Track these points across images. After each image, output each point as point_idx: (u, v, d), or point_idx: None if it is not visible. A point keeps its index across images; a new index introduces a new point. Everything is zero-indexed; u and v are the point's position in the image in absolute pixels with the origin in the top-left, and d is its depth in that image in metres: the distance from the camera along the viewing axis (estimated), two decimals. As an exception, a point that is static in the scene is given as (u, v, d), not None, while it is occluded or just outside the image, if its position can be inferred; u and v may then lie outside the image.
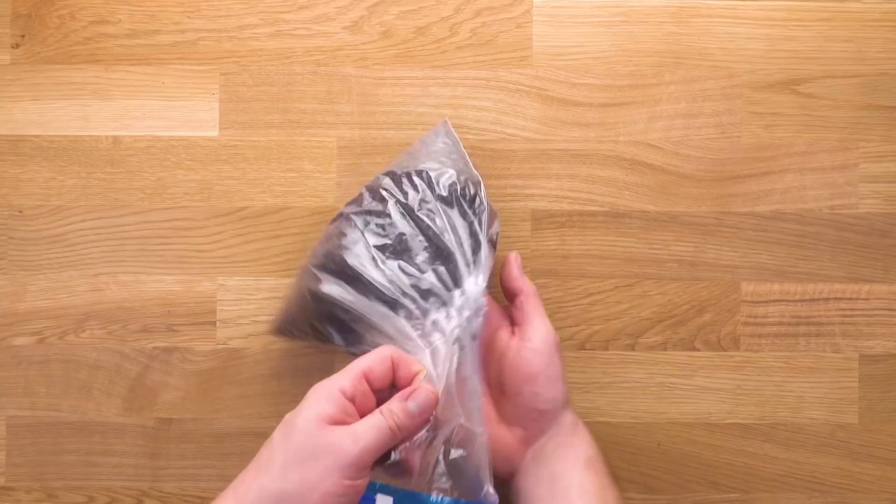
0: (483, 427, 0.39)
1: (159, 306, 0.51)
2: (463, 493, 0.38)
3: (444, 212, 0.43)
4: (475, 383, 0.40)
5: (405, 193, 0.44)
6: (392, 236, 0.42)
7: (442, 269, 0.42)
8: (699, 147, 0.51)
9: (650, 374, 0.52)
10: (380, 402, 0.36)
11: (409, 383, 0.37)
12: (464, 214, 0.43)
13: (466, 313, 0.41)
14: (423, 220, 0.43)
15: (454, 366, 0.39)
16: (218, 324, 0.51)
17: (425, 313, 0.41)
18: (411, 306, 0.41)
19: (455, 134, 0.48)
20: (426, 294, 0.41)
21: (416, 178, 0.44)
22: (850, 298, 0.51)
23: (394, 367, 0.37)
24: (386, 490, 0.37)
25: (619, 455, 0.51)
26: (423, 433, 0.37)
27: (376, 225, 0.43)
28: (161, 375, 0.51)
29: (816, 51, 0.52)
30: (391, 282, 0.41)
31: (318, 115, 0.52)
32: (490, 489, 0.38)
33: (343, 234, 0.43)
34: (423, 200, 0.43)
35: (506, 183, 0.51)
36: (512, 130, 0.51)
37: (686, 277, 0.51)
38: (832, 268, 0.52)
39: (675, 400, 0.52)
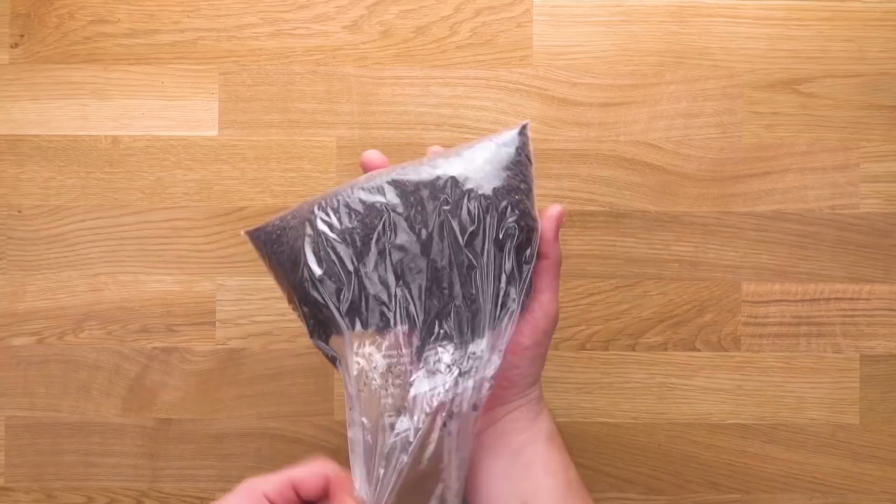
0: None
1: (158, 306, 0.51)
2: None
3: (494, 254, 0.37)
4: (460, 459, 0.36)
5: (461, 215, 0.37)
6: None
7: (464, 311, 0.37)
8: (700, 147, 0.51)
9: (651, 375, 0.51)
10: None
11: None
12: (511, 268, 0.37)
13: (470, 381, 0.36)
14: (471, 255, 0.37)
15: (434, 437, 0.36)
16: (217, 324, 0.51)
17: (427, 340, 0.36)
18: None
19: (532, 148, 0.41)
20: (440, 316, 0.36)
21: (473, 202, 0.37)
22: (850, 298, 0.51)
23: (328, 488, 0.36)
24: None
25: (620, 455, 0.51)
26: None
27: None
28: (160, 376, 0.51)
29: (817, 50, 0.51)
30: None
31: (317, 114, 0.52)
32: None
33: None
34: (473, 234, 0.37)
35: (506, 183, 0.51)
36: (512, 130, 0.51)
37: (687, 277, 0.51)
38: (833, 268, 0.51)
39: (675, 400, 0.51)
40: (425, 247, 0.37)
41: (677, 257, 0.51)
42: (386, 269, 0.36)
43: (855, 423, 0.51)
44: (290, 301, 0.39)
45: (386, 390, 0.37)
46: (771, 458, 0.51)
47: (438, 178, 0.38)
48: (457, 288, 0.37)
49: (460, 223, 0.37)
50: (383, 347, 0.37)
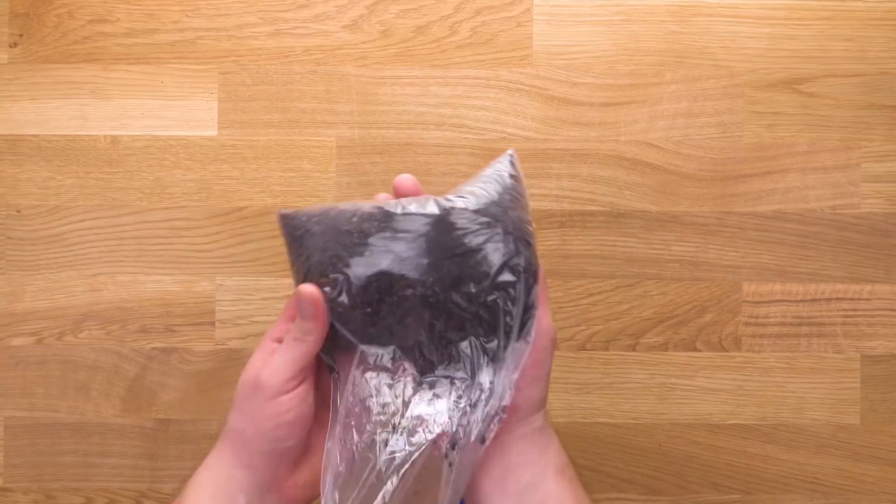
0: None
1: (158, 306, 0.51)
2: None
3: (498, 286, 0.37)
4: (456, 490, 0.36)
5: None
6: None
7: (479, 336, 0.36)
8: (700, 146, 0.51)
9: (651, 375, 0.51)
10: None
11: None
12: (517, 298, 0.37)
13: (478, 413, 0.36)
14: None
15: (430, 465, 0.35)
16: (217, 324, 0.51)
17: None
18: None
19: (520, 169, 0.41)
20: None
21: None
22: (851, 299, 0.51)
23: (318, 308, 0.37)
24: None
25: (620, 456, 0.51)
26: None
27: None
28: (159, 376, 0.51)
29: (818, 50, 0.51)
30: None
31: (317, 114, 0.51)
32: None
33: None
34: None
35: (506, 182, 0.51)
36: (512, 130, 0.51)
37: (687, 277, 0.51)
38: (834, 268, 0.51)
39: (676, 400, 0.51)
40: (434, 279, 0.36)
41: (678, 257, 0.51)
42: (399, 304, 0.36)
43: (856, 423, 0.51)
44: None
45: (383, 408, 0.37)
46: (772, 458, 0.51)
47: (442, 210, 0.37)
48: (466, 321, 0.36)
49: (465, 256, 0.36)
50: (389, 365, 0.37)
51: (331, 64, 0.51)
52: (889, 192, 0.51)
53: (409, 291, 0.36)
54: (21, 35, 0.52)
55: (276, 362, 0.36)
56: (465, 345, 0.37)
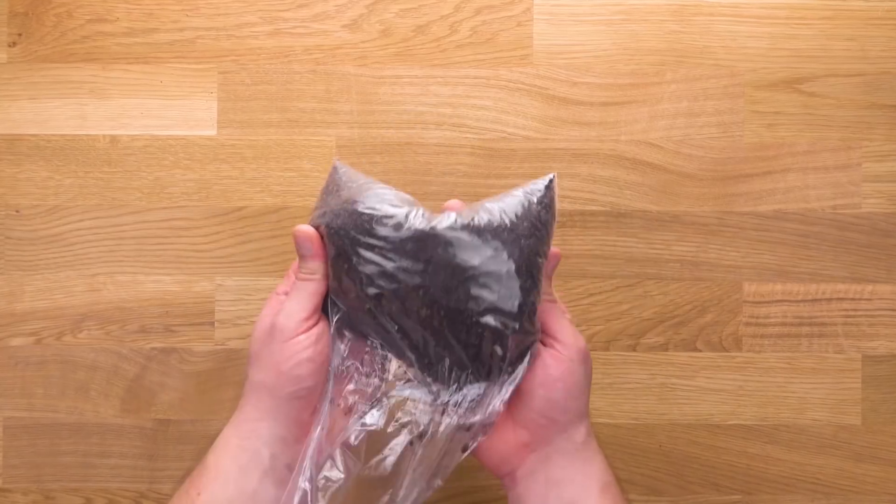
0: None
1: (157, 306, 0.51)
2: None
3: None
4: (417, 481, 0.37)
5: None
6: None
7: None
8: (701, 146, 0.51)
9: (651, 375, 0.51)
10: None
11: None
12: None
13: (454, 419, 0.37)
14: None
15: (396, 449, 0.37)
16: (216, 324, 0.51)
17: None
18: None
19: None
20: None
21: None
22: (852, 299, 0.51)
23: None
24: None
25: (621, 456, 0.51)
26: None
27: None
28: (159, 376, 0.51)
29: (819, 49, 0.51)
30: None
31: (316, 114, 0.51)
32: None
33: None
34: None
35: (506, 182, 0.51)
36: (512, 129, 0.51)
37: (688, 277, 0.51)
38: (835, 268, 0.51)
39: (676, 401, 0.51)
40: (436, 289, 0.36)
41: (678, 257, 0.51)
42: (394, 312, 0.37)
43: (857, 423, 0.51)
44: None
45: (368, 379, 0.38)
46: (772, 458, 0.51)
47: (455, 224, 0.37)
48: (454, 345, 0.37)
49: (463, 282, 0.36)
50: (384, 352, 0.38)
51: (330, 63, 0.51)
52: (890, 191, 0.51)
53: (403, 302, 0.36)
54: (20, 34, 0.51)
55: (290, 305, 0.38)
56: (451, 364, 0.37)
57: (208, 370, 0.51)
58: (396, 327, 0.37)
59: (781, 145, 0.51)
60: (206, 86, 0.51)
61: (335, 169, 0.40)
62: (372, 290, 0.36)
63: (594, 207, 0.51)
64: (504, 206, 0.38)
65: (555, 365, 0.37)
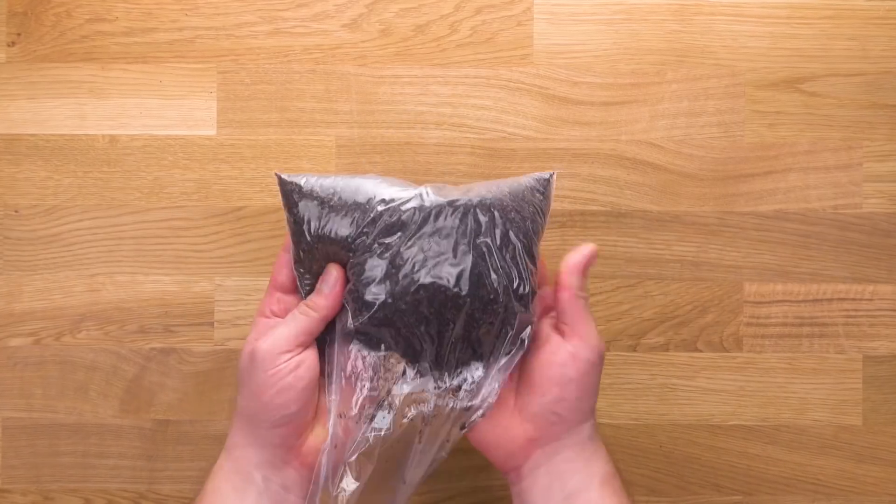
0: None
1: (156, 307, 0.51)
2: None
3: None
4: (423, 460, 0.38)
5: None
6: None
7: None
8: (702, 146, 0.51)
9: (652, 376, 0.51)
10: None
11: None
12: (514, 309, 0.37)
13: (457, 402, 0.38)
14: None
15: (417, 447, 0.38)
16: (216, 324, 0.51)
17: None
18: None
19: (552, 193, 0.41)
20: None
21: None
22: (853, 299, 0.51)
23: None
24: None
25: (621, 457, 0.51)
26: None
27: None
28: (158, 377, 0.51)
29: (820, 49, 0.51)
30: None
31: (316, 113, 0.51)
32: None
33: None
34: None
35: (506, 182, 0.51)
36: (512, 129, 0.51)
37: (688, 278, 0.51)
38: (836, 268, 0.51)
39: (677, 401, 0.51)
40: (438, 269, 0.37)
41: (679, 257, 0.51)
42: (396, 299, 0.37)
43: (858, 424, 0.51)
44: (301, 264, 0.40)
45: (371, 383, 0.38)
46: (773, 459, 0.51)
47: (456, 202, 0.37)
48: (461, 314, 0.37)
49: (464, 256, 0.37)
50: (382, 349, 0.38)
51: (330, 63, 0.51)
52: (891, 191, 0.51)
53: (407, 292, 0.36)
54: (19, 34, 0.51)
55: (277, 333, 0.37)
56: (457, 346, 0.37)
57: (208, 370, 0.51)
58: (406, 326, 0.37)
59: (782, 145, 0.51)
60: (206, 85, 0.51)
61: (288, 182, 0.40)
62: (384, 294, 0.36)
63: (594, 207, 0.51)
64: (511, 188, 0.38)
65: (573, 365, 0.37)
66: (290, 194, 0.39)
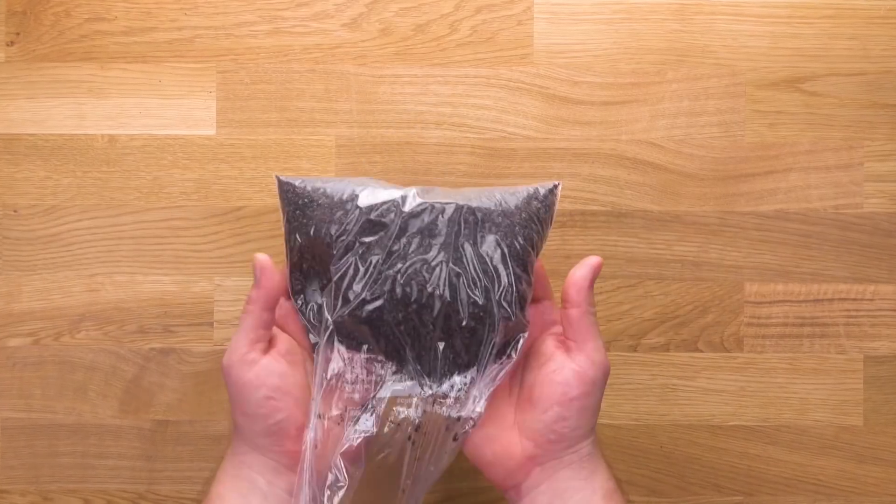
0: None
1: (156, 307, 0.51)
2: None
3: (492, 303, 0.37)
4: (422, 472, 0.38)
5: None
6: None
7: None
8: (702, 146, 0.51)
9: (652, 376, 0.51)
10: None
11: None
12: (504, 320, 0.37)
13: (445, 409, 0.37)
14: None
15: (395, 446, 0.37)
16: (215, 325, 0.51)
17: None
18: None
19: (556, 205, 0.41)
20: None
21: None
22: (854, 299, 0.51)
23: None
24: None
25: (622, 457, 0.51)
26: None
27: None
28: (157, 377, 0.51)
29: (820, 48, 0.51)
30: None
31: (316, 113, 0.51)
32: None
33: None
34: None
35: (506, 182, 0.51)
36: (513, 129, 0.51)
37: (689, 278, 0.51)
38: (836, 268, 0.51)
39: (677, 401, 0.51)
40: (427, 273, 0.36)
41: (679, 257, 0.51)
42: (381, 305, 0.37)
43: (859, 424, 0.51)
44: (294, 266, 0.39)
45: (354, 386, 0.38)
46: (774, 459, 0.51)
47: (455, 206, 0.37)
48: (440, 316, 0.36)
49: (465, 260, 0.37)
50: (365, 352, 0.38)
51: (330, 62, 0.51)
52: (892, 191, 0.51)
53: (394, 295, 0.36)
54: (18, 33, 0.51)
55: (232, 341, 0.37)
56: (440, 349, 0.37)
57: (207, 371, 0.51)
58: (385, 325, 0.37)
59: (783, 145, 0.51)
60: (205, 85, 0.51)
61: (284, 183, 0.40)
62: (367, 293, 0.36)
63: (595, 207, 0.51)
64: (504, 195, 0.38)
65: (576, 385, 0.37)
66: (285, 195, 0.40)
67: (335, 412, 0.37)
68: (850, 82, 0.51)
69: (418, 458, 0.38)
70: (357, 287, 0.36)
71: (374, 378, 0.38)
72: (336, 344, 0.37)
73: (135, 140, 0.51)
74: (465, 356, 0.37)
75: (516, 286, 0.36)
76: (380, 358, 0.38)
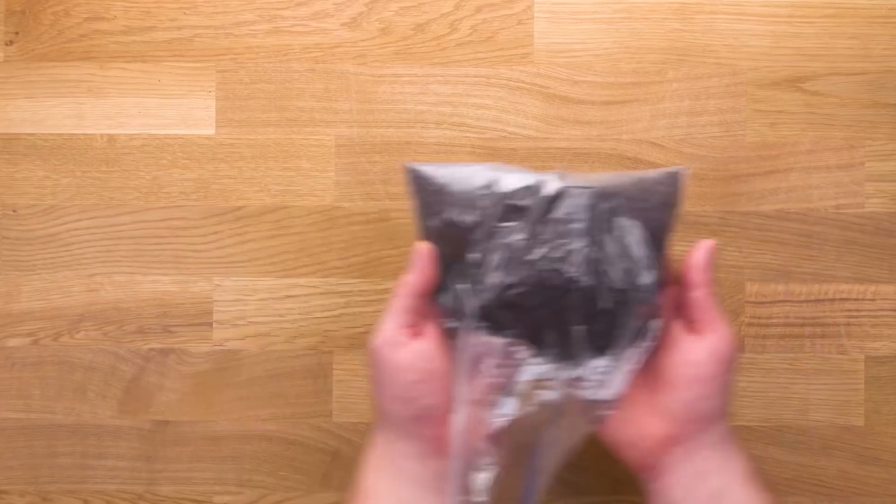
0: None
1: (155, 307, 0.51)
2: None
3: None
4: (555, 454, 0.38)
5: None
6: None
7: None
8: (703, 145, 0.51)
9: (653, 376, 0.51)
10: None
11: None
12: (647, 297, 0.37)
13: (586, 392, 0.37)
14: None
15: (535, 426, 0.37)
16: (214, 325, 0.51)
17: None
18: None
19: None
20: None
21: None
22: (855, 299, 0.51)
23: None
24: None
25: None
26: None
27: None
28: (157, 377, 0.51)
29: (821, 48, 0.51)
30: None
31: (315, 112, 0.51)
32: None
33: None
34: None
35: (506, 182, 0.50)
36: (513, 129, 0.51)
37: (689, 278, 0.51)
38: (837, 268, 0.51)
39: (678, 402, 0.51)
40: (567, 258, 0.37)
41: (679, 257, 0.51)
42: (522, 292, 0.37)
43: (860, 424, 0.51)
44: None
45: (495, 369, 0.38)
46: (775, 460, 0.51)
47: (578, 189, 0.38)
48: (580, 300, 0.37)
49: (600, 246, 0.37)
50: (505, 334, 0.38)
51: (329, 62, 0.51)
52: (893, 191, 0.51)
53: (536, 279, 0.37)
54: (17, 33, 0.51)
55: (382, 325, 0.38)
56: (580, 333, 0.37)
57: (206, 371, 0.51)
58: (525, 309, 0.37)
59: (784, 144, 0.51)
60: (205, 84, 0.51)
61: (415, 171, 0.40)
62: (509, 278, 0.37)
63: (595, 207, 0.51)
64: (638, 179, 0.39)
65: (713, 363, 0.37)
66: (417, 182, 0.39)
67: (478, 396, 0.38)
68: (851, 82, 0.51)
69: (557, 441, 0.38)
70: (498, 272, 0.37)
71: (514, 362, 0.38)
72: (477, 329, 0.38)
73: (134, 140, 0.51)
74: (604, 340, 0.38)
75: (654, 270, 0.37)
76: (520, 342, 0.38)
